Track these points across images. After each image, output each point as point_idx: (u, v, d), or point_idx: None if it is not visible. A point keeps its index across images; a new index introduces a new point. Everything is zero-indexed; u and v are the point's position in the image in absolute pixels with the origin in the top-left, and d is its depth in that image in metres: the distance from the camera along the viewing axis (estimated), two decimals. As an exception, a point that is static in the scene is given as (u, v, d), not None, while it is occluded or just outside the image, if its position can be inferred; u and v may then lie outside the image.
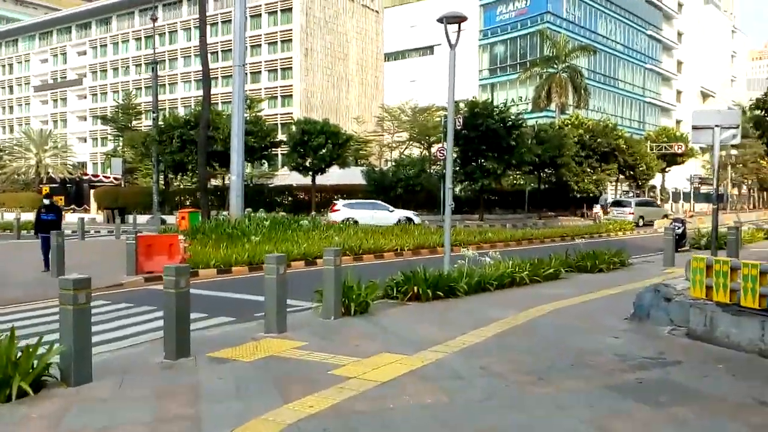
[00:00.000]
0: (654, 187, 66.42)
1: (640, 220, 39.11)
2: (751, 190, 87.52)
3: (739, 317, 6.59)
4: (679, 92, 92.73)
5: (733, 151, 74.82)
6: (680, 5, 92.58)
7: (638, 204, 42.34)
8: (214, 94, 70.93)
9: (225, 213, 25.83)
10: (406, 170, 40.59)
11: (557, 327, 8.20)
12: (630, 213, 39.43)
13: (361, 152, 62.90)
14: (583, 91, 54.44)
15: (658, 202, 53.81)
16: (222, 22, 72.49)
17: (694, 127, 9.69)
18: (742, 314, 6.56)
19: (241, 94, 22.37)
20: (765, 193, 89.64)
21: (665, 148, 58.57)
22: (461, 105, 39.50)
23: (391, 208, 31.97)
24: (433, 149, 51.13)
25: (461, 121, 34.48)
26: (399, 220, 29.94)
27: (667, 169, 63.39)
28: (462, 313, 9.20)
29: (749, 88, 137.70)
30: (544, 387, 5.60)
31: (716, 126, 9.25)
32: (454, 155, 33.31)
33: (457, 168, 36.13)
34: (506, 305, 9.78)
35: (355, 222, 28.49)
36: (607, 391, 5.49)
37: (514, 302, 10.09)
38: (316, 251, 16.67)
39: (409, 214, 32.02)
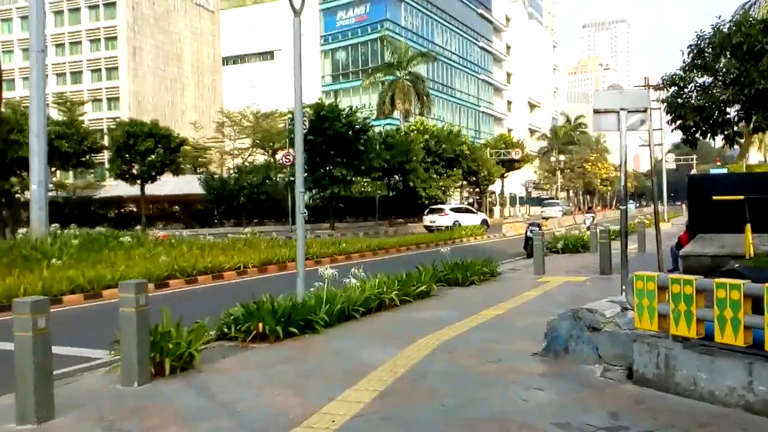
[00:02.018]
0: (493, 192, 68.41)
1: (564, 215, 52.19)
2: (578, 194, 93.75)
3: (711, 357, 4.80)
4: (509, 102, 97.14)
5: (562, 157, 79.55)
6: (508, 19, 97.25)
7: (562, 205, 61.95)
8: (26, 96, 62.99)
9: (24, 230, 21.48)
10: (249, 177, 37.64)
11: (455, 375, 6.07)
12: (559, 211, 53.54)
13: (200, 160, 58.70)
14: (425, 98, 54.25)
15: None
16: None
17: (596, 111, 8.14)
18: (715, 353, 4.78)
19: (41, 85, 18.39)
20: (589, 196, 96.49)
21: (504, 154, 60.46)
22: (307, 109, 37.24)
23: (477, 212, 40.73)
24: (278, 156, 48.55)
25: (307, 124, 32.22)
26: (481, 222, 36.36)
27: (505, 175, 65.45)
28: (325, 359, 6.82)
29: (569, 100, 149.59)
30: None
31: (621, 109, 7.76)
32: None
33: (306, 175, 34.02)
34: (380, 340, 7.57)
35: (459, 223, 35.00)
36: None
37: (389, 335, 7.90)
38: (136, 274, 13.68)
39: (486, 217, 40.46)
